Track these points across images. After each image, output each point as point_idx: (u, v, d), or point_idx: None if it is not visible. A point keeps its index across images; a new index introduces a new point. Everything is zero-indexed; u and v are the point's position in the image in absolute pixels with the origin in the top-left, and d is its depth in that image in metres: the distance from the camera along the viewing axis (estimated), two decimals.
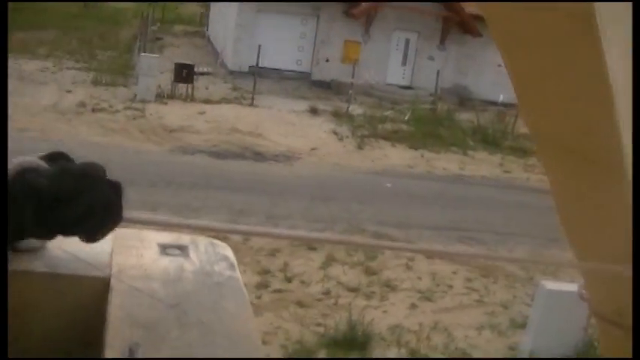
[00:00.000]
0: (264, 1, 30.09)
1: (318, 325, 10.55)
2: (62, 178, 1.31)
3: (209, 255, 1.67)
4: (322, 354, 9.76)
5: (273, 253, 13.22)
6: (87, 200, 1.31)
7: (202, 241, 1.75)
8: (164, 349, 1.22)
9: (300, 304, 11.18)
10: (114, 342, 1.21)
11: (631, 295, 1.79)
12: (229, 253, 1.73)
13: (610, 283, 2.02)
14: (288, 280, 12.07)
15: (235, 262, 1.69)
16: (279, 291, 11.56)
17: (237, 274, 1.62)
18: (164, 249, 1.66)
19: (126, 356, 1.13)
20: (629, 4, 1.60)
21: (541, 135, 1.99)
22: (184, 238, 1.75)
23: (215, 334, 1.30)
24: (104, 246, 1.63)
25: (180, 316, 1.34)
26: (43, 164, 1.35)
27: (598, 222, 2.00)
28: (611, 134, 1.70)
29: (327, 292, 11.75)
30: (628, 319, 1.84)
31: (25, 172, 1.30)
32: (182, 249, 1.68)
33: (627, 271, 1.81)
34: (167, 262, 1.44)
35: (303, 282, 12.04)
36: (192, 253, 1.66)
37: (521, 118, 1.96)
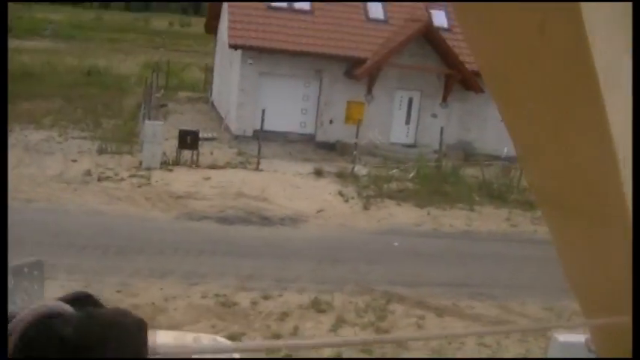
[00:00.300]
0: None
1: None
2: (89, 327, 1.19)
3: (203, 347, 1.63)
4: None
5: (282, 317, 13.17)
6: (113, 351, 1.20)
7: (206, 338, 1.76)
8: None
9: None
10: None
11: (631, 344, 1.78)
12: (225, 341, 1.70)
13: (614, 333, 2.00)
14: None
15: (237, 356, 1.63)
16: (290, 357, 11.48)
17: None
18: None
19: None
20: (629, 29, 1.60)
21: (543, 193, 1.98)
22: (187, 337, 1.74)
23: None
24: None
25: None
26: (69, 308, 1.23)
27: (600, 276, 1.99)
28: (616, 193, 1.69)
29: (338, 355, 11.67)
30: None
31: (50, 317, 1.20)
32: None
33: (628, 321, 1.80)
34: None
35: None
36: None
37: (524, 174, 1.97)
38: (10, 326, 1.18)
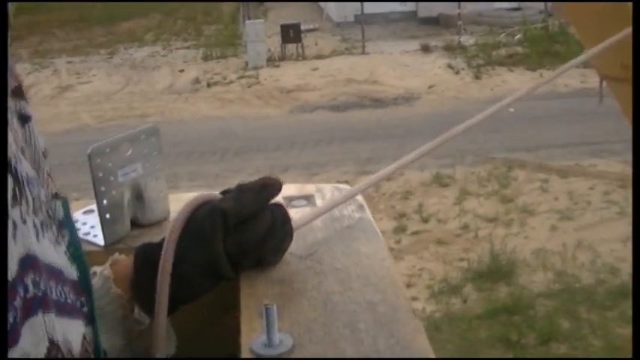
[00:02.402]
0: None
1: (461, 260, 10.56)
2: (243, 196, 1.22)
3: (336, 200, 1.59)
4: (468, 288, 9.77)
5: (406, 196, 13.26)
6: (268, 218, 1.24)
7: (327, 187, 1.71)
8: (302, 301, 1.20)
9: (440, 242, 11.19)
10: (249, 302, 1.20)
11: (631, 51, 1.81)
12: (357, 195, 1.65)
13: (614, 47, 1.98)
14: (425, 220, 12.09)
15: (364, 203, 1.64)
16: (417, 233, 11.60)
17: (368, 214, 1.56)
18: (289, 201, 1.59)
19: (263, 316, 1.08)
20: None
21: None
22: (309, 188, 1.70)
23: (352, 279, 1.26)
24: None
25: (314, 265, 1.31)
26: (217, 194, 1.29)
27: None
28: None
29: (465, 227, 11.72)
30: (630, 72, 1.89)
31: (205, 202, 1.24)
32: (308, 198, 1.64)
33: (627, 31, 1.82)
34: (294, 214, 1.34)
35: (439, 220, 12.04)
36: (318, 201, 1.62)
37: None
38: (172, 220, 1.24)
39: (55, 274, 0.85)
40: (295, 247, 1.34)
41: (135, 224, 1.55)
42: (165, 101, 21.19)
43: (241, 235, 1.19)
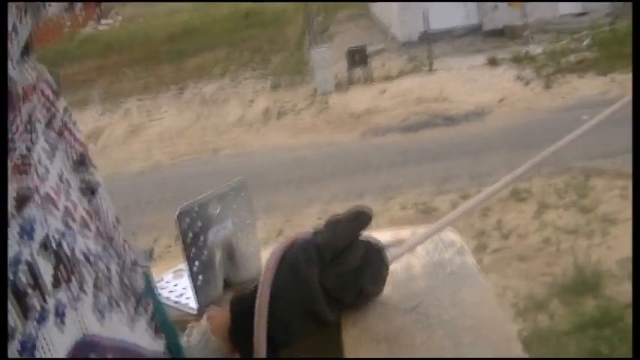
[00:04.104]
0: None
1: (544, 275, 10.43)
2: (335, 227, 1.19)
3: (435, 243, 1.52)
4: (554, 304, 9.65)
5: (484, 212, 13.15)
6: (363, 247, 1.20)
7: (420, 228, 1.57)
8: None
9: (522, 258, 11.08)
10: None
11: None
12: (455, 236, 1.56)
13: None
14: (505, 236, 11.98)
15: (465, 244, 1.54)
16: (497, 250, 11.51)
17: (470, 258, 1.47)
18: (386, 248, 1.58)
19: None
20: None
21: None
22: (404, 233, 1.58)
23: (462, 332, 1.20)
24: None
25: (421, 319, 1.24)
26: (309, 231, 1.25)
27: None
28: None
29: (546, 241, 11.58)
30: None
31: (297, 240, 1.22)
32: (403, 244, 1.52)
33: (627, 99, 1.75)
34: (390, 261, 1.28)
35: (519, 235, 11.92)
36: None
37: None
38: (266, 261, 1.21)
39: (129, 350, 0.83)
40: (398, 298, 1.29)
41: (228, 284, 1.53)
42: (236, 133, 21.38)
43: (338, 268, 1.16)
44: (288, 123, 21.58)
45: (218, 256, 1.48)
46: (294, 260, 1.17)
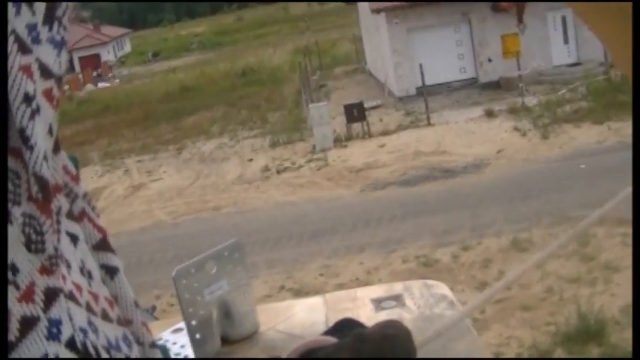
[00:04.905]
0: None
1: (548, 324, 10.42)
2: (361, 348, 1.04)
3: (426, 298, 1.57)
4: (558, 353, 9.63)
5: (485, 264, 13.17)
6: None
7: (416, 285, 1.65)
8: None
9: (525, 307, 11.07)
10: None
11: None
12: (446, 291, 1.60)
13: None
14: (507, 287, 11.96)
15: (455, 299, 1.57)
16: (501, 300, 11.47)
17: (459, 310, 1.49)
18: (378, 303, 1.58)
19: None
20: None
21: None
22: (396, 287, 1.65)
23: None
24: (317, 315, 1.61)
25: None
26: (331, 339, 1.10)
27: None
28: None
29: (549, 290, 11.59)
30: None
31: (311, 352, 1.07)
32: (397, 299, 1.59)
33: (627, 190, 1.74)
34: (384, 317, 1.31)
35: (522, 285, 11.90)
36: (407, 301, 1.57)
37: None
38: None
39: None
40: None
41: (225, 340, 1.56)
42: (236, 191, 21.43)
43: None
44: (287, 180, 21.64)
45: (215, 313, 1.53)
46: None
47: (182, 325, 1.55)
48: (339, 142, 24.84)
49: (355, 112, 25.47)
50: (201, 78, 48.62)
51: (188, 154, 27.71)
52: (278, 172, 22.76)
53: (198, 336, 1.50)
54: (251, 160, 24.92)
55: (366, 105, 26.62)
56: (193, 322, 1.49)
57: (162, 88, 46.32)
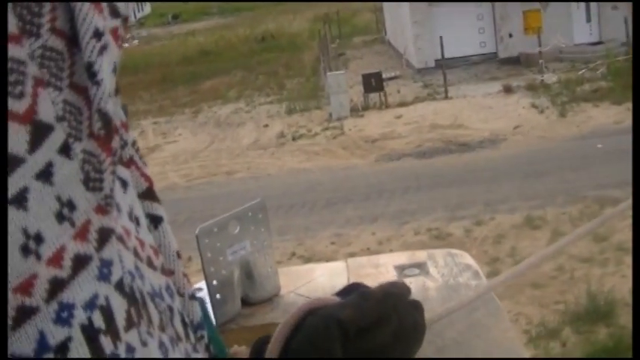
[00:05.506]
0: None
1: (557, 303, 10.41)
2: (364, 304, 1.06)
3: (450, 267, 1.56)
4: (567, 332, 9.63)
5: (498, 240, 13.15)
6: (394, 324, 1.07)
7: (439, 253, 1.64)
8: None
9: (535, 285, 11.05)
10: None
11: None
12: (471, 260, 1.60)
13: None
14: (518, 263, 11.95)
15: (479, 269, 1.57)
16: None
17: (484, 281, 1.50)
18: (402, 271, 1.57)
19: None
20: None
21: None
22: (420, 255, 1.64)
23: (476, 354, 1.22)
24: (339, 280, 1.60)
25: (434, 339, 1.24)
26: (336, 298, 1.11)
27: None
28: None
29: (560, 268, 11.56)
30: None
31: (315, 310, 1.06)
32: (420, 267, 1.58)
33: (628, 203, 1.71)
34: (409, 283, 1.32)
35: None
36: (431, 269, 1.57)
37: None
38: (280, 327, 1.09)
39: None
40: None
41: (245, 302, 1.56)
42: (251, 157, 21.42)
43: (363, 344, 1.04)
44: (302, 147, 21.61)
45: (236, 274, 1.53)
46: (313, 331, 1.05)
47: (201, 284, 1.53)
48: (355, 111, 24.76)
49: (373, 82, 25.37)
50: (220, 42, 48.41)
51: (204, 118, 27.68)
52: (293, 138, 22.73)
53: (218, 296, 1.50)
54: (267, 125, 24.88)
55: (384, 75, 26.51)
56: (214, 282, 1.49)
57: (181, 50, 46.17)
